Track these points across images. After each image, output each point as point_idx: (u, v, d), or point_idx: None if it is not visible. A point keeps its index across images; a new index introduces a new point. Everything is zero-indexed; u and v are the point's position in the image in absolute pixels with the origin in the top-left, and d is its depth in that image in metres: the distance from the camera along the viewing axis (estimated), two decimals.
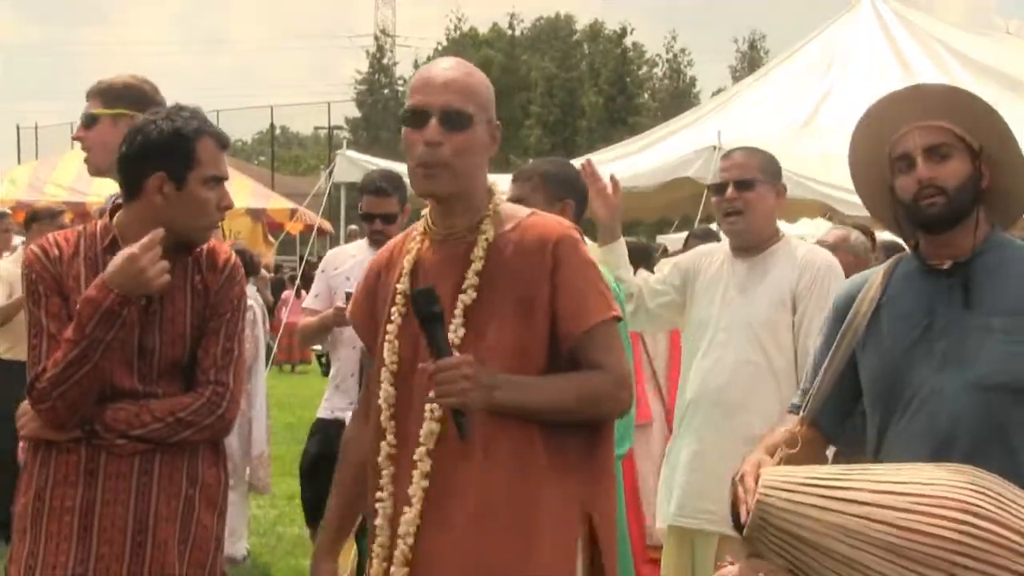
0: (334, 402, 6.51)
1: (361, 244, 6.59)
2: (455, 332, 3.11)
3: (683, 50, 58.83)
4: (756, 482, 2.92)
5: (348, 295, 6.20)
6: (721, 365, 4.85)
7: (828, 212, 12.16)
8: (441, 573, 3.09)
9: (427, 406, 3.11)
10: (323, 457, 6.42)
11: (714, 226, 12.20)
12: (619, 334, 3.24)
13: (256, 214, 19.45)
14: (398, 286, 3.26)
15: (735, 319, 4.86)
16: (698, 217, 11.76)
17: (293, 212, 19.72)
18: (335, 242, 16.73)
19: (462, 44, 56.87)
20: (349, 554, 5.35)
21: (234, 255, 3.80)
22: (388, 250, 3.42)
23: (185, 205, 3.58)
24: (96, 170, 4.51)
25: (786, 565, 2.85)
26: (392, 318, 3.25)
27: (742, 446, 4.68)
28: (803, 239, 5.84)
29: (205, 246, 3.70)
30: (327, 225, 19.33)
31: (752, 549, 2.93)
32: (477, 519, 3.08)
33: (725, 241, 5.07)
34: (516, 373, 3.09)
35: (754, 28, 64.44)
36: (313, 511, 6.74)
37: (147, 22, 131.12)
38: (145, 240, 3.46)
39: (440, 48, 57.26)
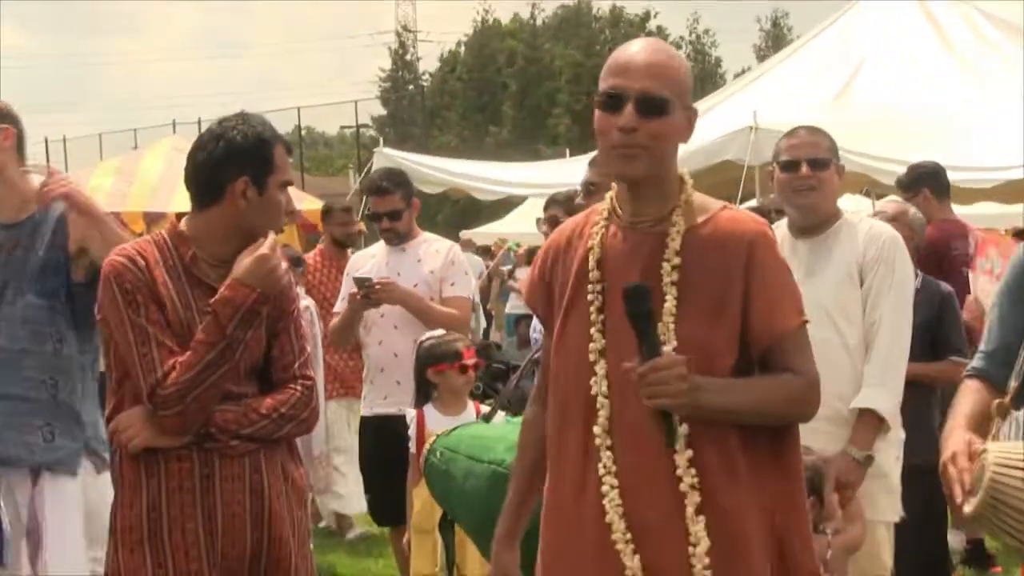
0: (370, 398, 6.65)
1: (380, 244, 6.73)
2: (668, 331, 3.04)
3: (707, 31, 58.68)
4: (971, 460, 2.85)
5: (358, 280, 6.30)
6: None
7: (866, 187, 12.10)
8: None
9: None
10: (378, 456, 6.50)
11: (753, 203, 12.20)
12: (808, 337, 3.19)
13: (291, 216, 19.47)
14: (591, 273, 3.15)
15: (805, 301, 4.81)
16: (738, 197, 11.71)
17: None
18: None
19: (487, 35, 56.83)
20: (436, 549, 5.37)
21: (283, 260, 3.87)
22: (564, 232, 3.31)
23: (264, 209, 3.65)
24: None
25: (1019, 546, 2.79)
26: (578, 303, 3.15)
27: (825, 425, 4.65)
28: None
29: None
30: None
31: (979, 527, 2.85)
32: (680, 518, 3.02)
33: (780, 224, 5.04)
34: (704, 373, 3.00)
35: (776, 6, 64.04)
36: (381, 511, 6.83)
37: (170, 30, 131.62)
38: (270, 240, 3.59)
39: (465, 40, 57.33)
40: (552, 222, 6.23)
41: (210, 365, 3.53)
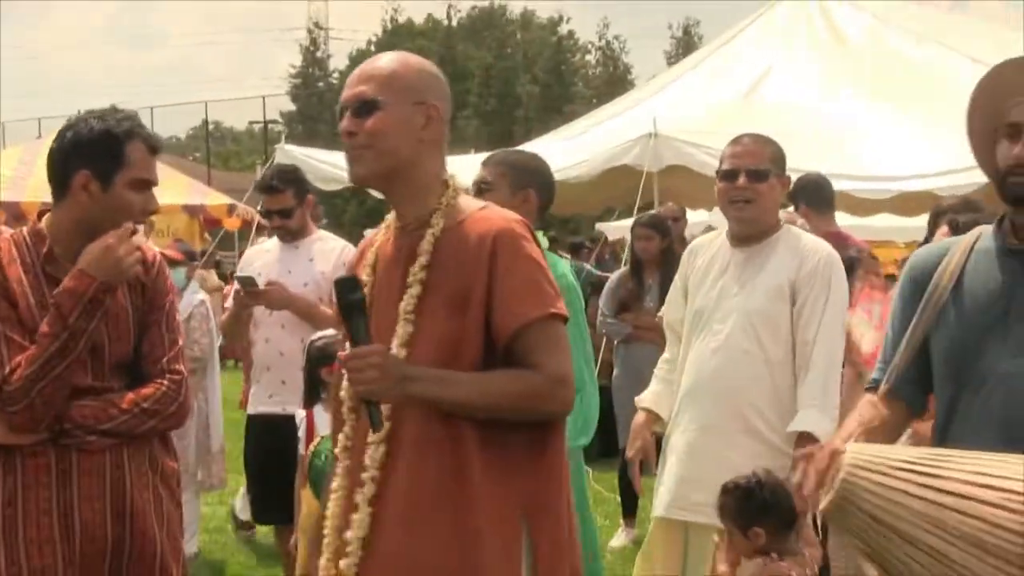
0: (257, 397, 6.61)
1: (275, 240, 6.74)
2: (403, 328, 3.11)
3: (616, 37, 59.04)
4: (830, 457, 2.86)
5: (241, 279, 6.35)
6: (716, 355, 4.82)
7: None
8: (379, 572, 3.08)
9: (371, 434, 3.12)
10: (262, 455, 6.44)
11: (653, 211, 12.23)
12: (559, 332, 3.15)
13: (193, 210, 19.24)
14: (364, 278, 3.25)
15: (732, 309, 4.83)
16: (636, 204, 11.75)
17: (231, 208, 19.56)
18: None
19: (398, 36, 56.71)
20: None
21: (158, 253, 3.83)
22: (363, 245, 3.45)
23: (108, 205, 3.58)
24: None
25: (863, 548, 2.80)
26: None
27: (739, 437, 4.72)
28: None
29: None
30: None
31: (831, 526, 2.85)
32: (406, 519, 3.07)
33: (720, 231, 5.02)
34: (448, 367, 3.06)
35: (688, 15, 64.52)
36: (264, 510, 6.75)
37: (76, 18, 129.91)
38: (119, 231, 3.52)
39: (375, 39, 57.18)
40: None
41: (53, 357, 3.47)
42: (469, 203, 3.25)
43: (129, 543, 3.62)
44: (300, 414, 5.78)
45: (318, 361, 5.72)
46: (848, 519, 2.79)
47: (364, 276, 3.25)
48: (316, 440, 5.34)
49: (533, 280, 3.12)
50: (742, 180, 4.81)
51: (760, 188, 4.82)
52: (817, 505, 2.87)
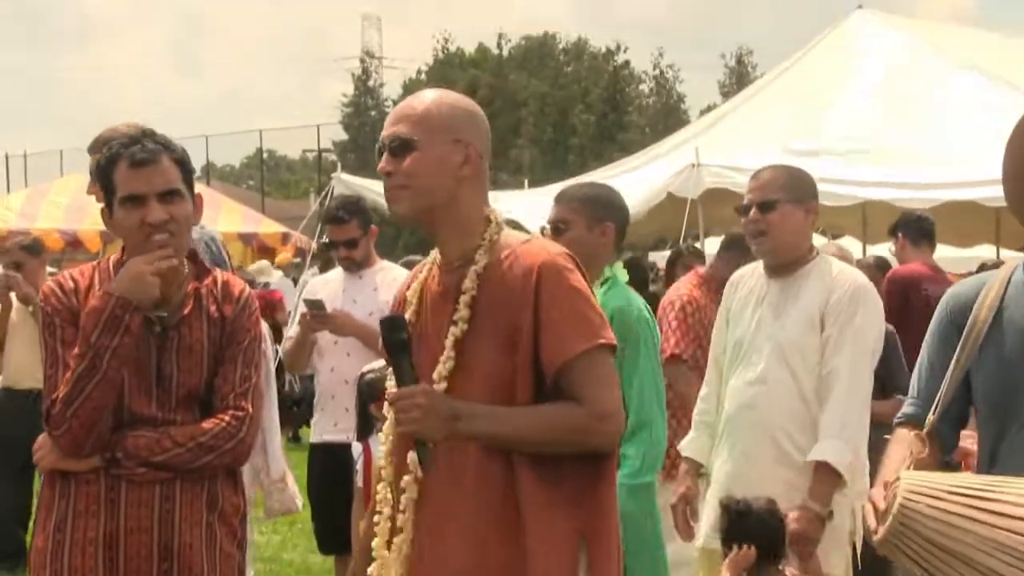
0: (321, 426, 6.63)
1: (338, 271, 6.76)
2: (444, 364, 3.12)
3: (671, 66, 58.97)
4: (885, 488, 2.87)
5: (309, 303, 6.34)
6: (753, 386, 4.83)
7: (823, 227, 12.20)
8: None
9: (410, 468, 3.13)
10: (325, 484, 6.46)
11: (704, 243, 12.25)
12: (606, 363, 3.13)
13: (247, 238, 19.39)
14: (408, 316, 3.27)
15: (767, 340, 4.84)
16: (682, 233, 11.86)
17: (285, 236, 19.69)
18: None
19: (449, 65, 56.96)
20: None
21: (247, 287, 3.82)
22: (408, 280, 3.44)
23: (119, 231, 3.64)
24: None
25: (922, 573, 2.79)
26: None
27: (775, 467, 4.73)
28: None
29: (219, 277, 3.74)
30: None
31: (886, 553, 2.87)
32: (468, 547, 3.07)
33: (759, 262, 5.04)
34: (501, 403, 3.07)
35: (741, 43, 64.16)
36: (326, 540, 6.77)
37: (132, 47, 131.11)
38: (151, 254, 3.52)
39: (426, 68, 57.44)
40: None
41: (82, 377, 3.47)
42: (512, 237, 3.23)
43: None
44: (357, 447, 5.81)
45: (368, 396, 5.75)
46: (906, 545, 2.79)
47: (409, 313, 3.26)
48: None
49: (578, 311, 3.10)
50: (753, 213, 4.86)
51: (771, 219, 4.83)
52: (873, 535, 2.88)
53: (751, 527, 4.47)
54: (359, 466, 5.70)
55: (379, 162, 3.24)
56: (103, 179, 3.61)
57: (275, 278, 17.16)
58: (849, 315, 4.71)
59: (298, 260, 18.02)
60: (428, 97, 3.27)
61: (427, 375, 3.11)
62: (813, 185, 5.02)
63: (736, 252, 6.68)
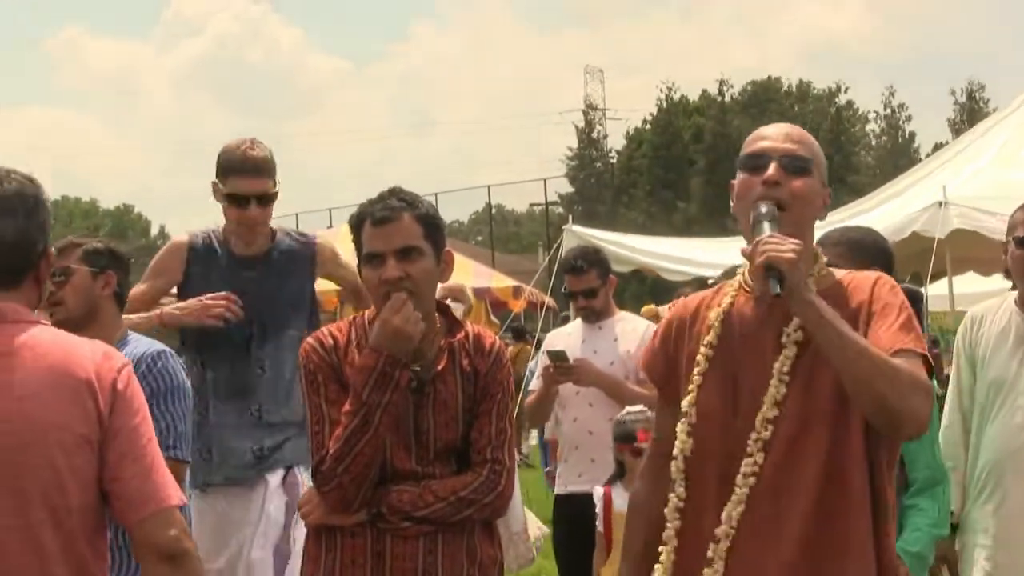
0: (565, 476, 6.64)
1: (576, 322, 6.78)
2: (776, 388, 3.09)
3: (901, 105, 57.88)
4: None
5: (552, 354, 6.37)
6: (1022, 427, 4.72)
7: None
8: None
9: (737, 489, 3.09)
10: (571, 534, 6.52)
11: (934, 287, 11.97)
12: (923, 369, 3.03)
13: (480, 293, 19.57)
14: (706, 338, 3.25)
15: (1019, 378, 4.73)
16: (929, 272, 11.61)
17: (516, 290, 19.86)
18: (561, 319, 16.82)
19: (673, 113, 56.94)
20: None
21: (499, 341, 3.89)
22: (690, 305, 3.40)
23: (367, 288, 3.85)
24: None
25: None
26: (695, 371, 3.24)
27: None
28: None
29: (471, 331, 3.83)
30: (551, 302, 19.49)
31: None
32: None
33: (1007, 296, 4.95)
34: (839, 418, 3.04)
35: (972, 78, 62.44)
36: None
37: (358, 108, 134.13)
38: (391, 302, 3.61)
39: (650, 118, 57.55)
40: None
41: (354, 434, 3.56)
42: (836, 272, 3.27)
43: None
44: (599, 492, 5.85)
45: (621, 440, 5.82)
46: None
47: (711, 337, 3.23)
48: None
49: (905, 319, 3.09)
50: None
51: None
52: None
53: None
54: (599, 510, 5.74)
55: (750, 172, 3.23)
56: (354, 237, 3.75)
57: None
58: None
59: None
60: (802, 129, 3.34)
61: (753, 398, 3.11)
62: None
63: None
